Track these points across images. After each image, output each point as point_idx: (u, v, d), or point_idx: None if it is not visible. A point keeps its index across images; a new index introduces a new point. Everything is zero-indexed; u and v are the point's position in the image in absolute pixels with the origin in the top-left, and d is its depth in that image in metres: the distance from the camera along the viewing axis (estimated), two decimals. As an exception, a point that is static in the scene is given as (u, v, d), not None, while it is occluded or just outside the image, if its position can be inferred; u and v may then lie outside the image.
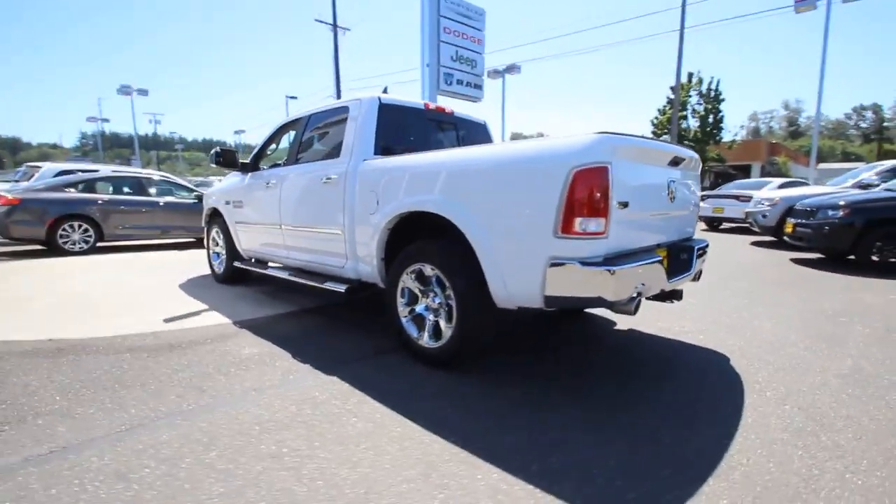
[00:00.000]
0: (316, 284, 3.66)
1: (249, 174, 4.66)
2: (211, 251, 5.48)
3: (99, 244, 8.15)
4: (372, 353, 3.11)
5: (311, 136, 4.13)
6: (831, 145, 76.37)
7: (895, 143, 71.32)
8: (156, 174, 10.18)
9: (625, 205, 2.29)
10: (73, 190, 8.10)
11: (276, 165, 4.77)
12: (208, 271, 5.69)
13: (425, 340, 2.89)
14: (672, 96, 31.44)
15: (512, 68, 22.23)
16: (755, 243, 9.74)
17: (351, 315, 4.07)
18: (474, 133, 4.29)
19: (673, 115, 20.36)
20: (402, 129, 3.70)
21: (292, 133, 4.75)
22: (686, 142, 28.04)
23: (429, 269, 2.82)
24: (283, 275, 4.10)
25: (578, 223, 2.16)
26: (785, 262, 7.09)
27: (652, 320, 3.79)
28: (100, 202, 8.10)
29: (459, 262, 2.66)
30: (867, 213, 6.08)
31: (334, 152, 3.63)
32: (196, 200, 9.06)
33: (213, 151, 4.57)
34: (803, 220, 6.88)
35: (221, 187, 5.20)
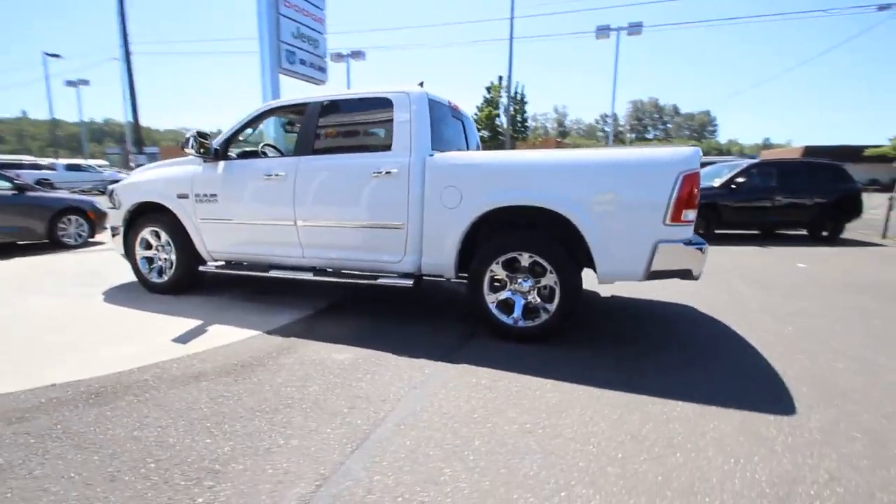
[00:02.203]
0: (369, 282, 3.52)
1: (223, 163, 3.99)
2: (138, 257, 4.43)
3: None
4: (458, 339, 3.26)
5: (332, 126, 3.82)
6: (586, 144, 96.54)
7: (627, 144, 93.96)
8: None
9: None
10: None
11: (250, 154, 4.20)
12: (109, 279, 4.73)
13: (517, 321, 3.21)
14: (489, 96, 35.47)
15: (357, 54, 21.87)
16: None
17: (382, 308, 3.98)
18: (469, 127, 4.58)
19: (507, 116, 23.09)
20: (438, 123, 3.80)
21: (287, 120, 4.27)
22: (500, 137, 32.13)
23: (526, 257, 3.14)
24: (303, 275, 3.75)
25: (684, 214, 2.83)
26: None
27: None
28: None
29: (563, 248, 3.08)
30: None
31: (378, 145, 3.53)
32: (15, 192, 6.80)
33: (189, 136, 3.77)
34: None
35: (165, 177, 4.25)
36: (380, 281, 3.51)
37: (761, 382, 2.67)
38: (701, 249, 2.89)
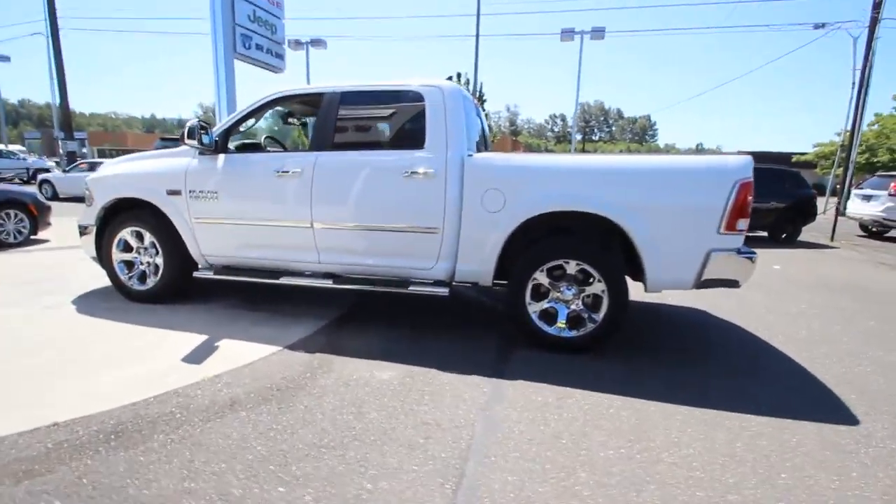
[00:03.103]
0: (398, 290, 3.26)
1: (223, 156, 3.56)
2: (116, 260, 3.88)
3: None
4: (498, 351, 3.08)
5: (354, 119, 3.50)
6: (537, 143, 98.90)
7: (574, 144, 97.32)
8: None
9: None
10: None
11: (252, 147, 3.79)
12: (71, 285, 4.22)
13: (560, 331, 3.08)
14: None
15: (318, 42, 20.90)
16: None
17: (401, 317, 3.71)
18: (483, 123, 4.39)
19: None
20: (466, 119, 3.58)
21: (287, 111, 3.88)
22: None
23: (573, 265, 3.01)
24: (320, 283, 3.41)
25: (738, 223, 2.80)
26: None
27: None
28: None
29: (611, 256, 2.98)
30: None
31: (407, 142, 3.27)
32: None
33: (192, 125, 3.30)
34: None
35: (151, 170, 3.74)
36: (411, 289, 3.25)
37: (811, 391, 2.70)
38: (751, 259, 2.88)
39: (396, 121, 3.51)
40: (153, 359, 2.78)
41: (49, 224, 7.02)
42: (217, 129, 3.57)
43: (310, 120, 4.50)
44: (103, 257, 3.91)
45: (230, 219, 3.55)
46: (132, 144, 42.92)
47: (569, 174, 3.01)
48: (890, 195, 9.73)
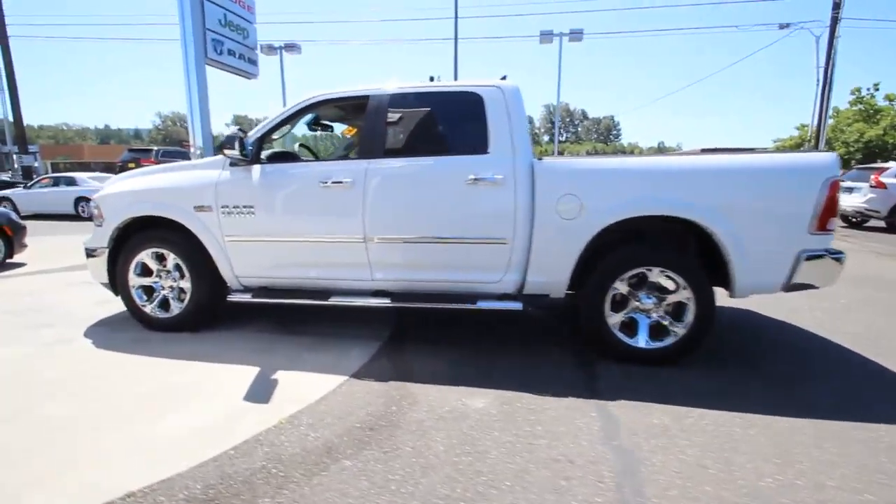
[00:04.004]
0: (467, 306, 3.01)
1: (258, 167, 3.23)
2: (133, 286, 3.47)
3: None
4: (581, 368, 2.89)
5: (406, 124, 3.23)
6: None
7: (543, 146, 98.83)
8: None
9: None
10: None
11: (285, 156, 3.47)
12: (70, 315, 3.82)
13: (641, 343, 2.91)
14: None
15: (292, 47, 20.25)
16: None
17: (453, 334, 3.45)
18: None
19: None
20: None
21: (313, 116, 3.57)
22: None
23: (656, 272, 2.84)
24: (375, 302, 3.13)
25: (829, 222, 2.70)
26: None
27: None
28: None
29: (697, 262, 2.84)
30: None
31: (467, 147, 3.04)
32: None
33: (232, 135, 2.96)
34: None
35: (175, 184, 3.35)
36: (480, 305, 3.01)
37: (912, 393, 2.62)
38: (839, 260, 2.78)
39: (452, 124, 3.26)
40: (206, 399, 2.44)
41: (25, 246, 6.39)
42: (253, 136, 3.24)
43: (336, 125, 4.22)
44: (117, 283, 3.49)
45: (269, 235, 3.21)
46: (90, 157, 40.66)
47: (652, 176, 2.84)
48: (871, 187, 10.13)
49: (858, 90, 27.12)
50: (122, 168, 17.28)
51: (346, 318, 3.75)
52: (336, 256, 3.18)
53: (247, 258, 3.29)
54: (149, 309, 3.47)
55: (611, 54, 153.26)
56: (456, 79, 20.49)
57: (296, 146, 3.89)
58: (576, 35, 18.86)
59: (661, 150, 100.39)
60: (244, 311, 3.85)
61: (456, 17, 18.84)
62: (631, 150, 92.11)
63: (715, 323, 2.87)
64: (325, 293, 3.25)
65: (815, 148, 18.32)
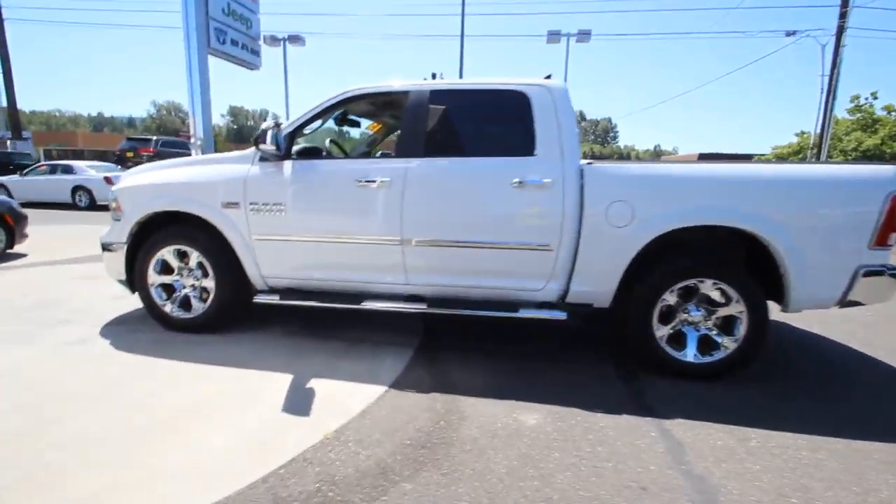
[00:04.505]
0: (509, 314, 2.89)
1: (290, 163, 3.08)
2: (152, 284, 3.31)
3: None
4: (626, 382, 2.78)
5: (448, 122, 3.09)
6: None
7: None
8: None
9: None
10: None
11: (313, 152, 3.31)
12: (79, 311, 3.67)
13: (690, 357, 2.81)
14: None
15: (295, 38, 19.93)
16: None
17: (486, 344, 3.33)
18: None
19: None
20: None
21: (341, 112, 3.43)
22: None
23: (708, 284, 2.74)
24: (412, 307, 3.00)
25: (889, 237, 2.61)
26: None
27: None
28: None
29: (749, 274, 2.73)
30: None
31: (512, 148, 2.91)
32: None
33: (268, 127, 2.81)
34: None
35: (202, 178, 3.18)
36: (522, 314, 2.89)
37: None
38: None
39: (497, 124, 3.14)
40: (244, 410, 2.30)
41: (26, 236, 6.18)
42: (285, 131, 3.09)
43: (360, 122, 4.07)
44: (136, 280, 3.33)
45: (299, 235, 3.07)
46: (84, 144, 39.97)
47: (711, 185, 2.72)
48: None
49: (857, 97, 27.28)
50: (121, 156, 16.97)
51: (373, 321, 3.61)
52: (369, 258, 3.05)
53: (275, 258, 3.15)
54: (169, 308, 3.32)
55: (610, 55, 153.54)
56: (461, 76, 20.33)
57: (326, 142, 3.73)
58: (583, 36, 18.77)
59: (657, 153, 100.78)
60: (265, 312, 3.70)
61: (463, 15, 18.66)
62: (628, 154, 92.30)
63: (767, 338, 2.78)
64: (356, 296, 3.11)
65: (818, 157, 18.39)
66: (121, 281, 3.42)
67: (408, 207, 2.92)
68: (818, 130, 18.22)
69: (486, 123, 3.19)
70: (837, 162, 2.60)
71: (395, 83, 3.13)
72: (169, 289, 3.35)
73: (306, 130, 3.27)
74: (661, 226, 2.70)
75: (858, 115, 27.84)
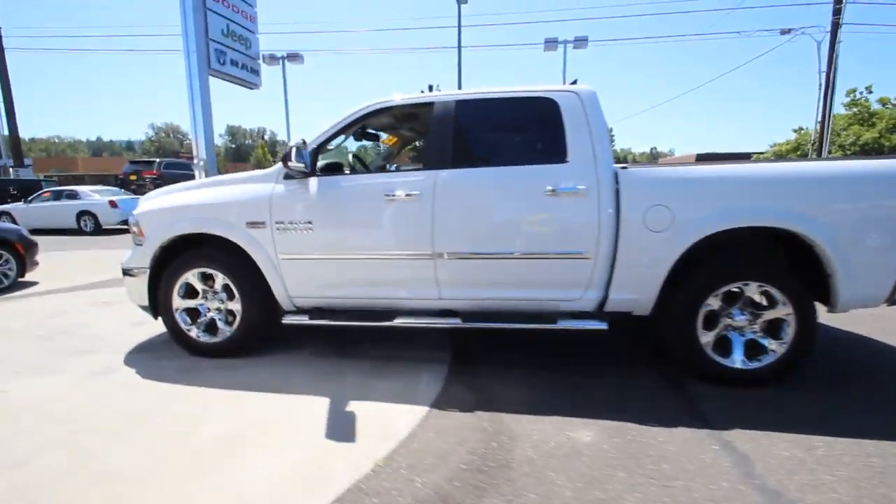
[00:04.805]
0: (548, 326, 2.81)
1: (316, 180, 3.02)
2: (177, 308, 3.23)
3: None
4: (675, 392, 2.69)
5: (475, 132, 3.04)
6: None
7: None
8: None
9: None
10: None
11: (337, 167, 3.25)
12: (96, 338, 3.61)
13: (738, 363, 2.72)
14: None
15: (294, 56, 20.08)
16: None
17: (518, 356, 3.24)
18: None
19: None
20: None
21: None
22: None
23: (754, 287, 2.66)
24: (447, 323, 2.92)
25: (938, 232, 2.54)
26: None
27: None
28: None
29: (795, 275, 2.66)
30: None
31: (543, 155, 2.86)
32: None
33: (296, 146, 2.76)
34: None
35: (226, 198, 3.12)
36: (561, 325, 2.81)
37: None
38: (942, 272, 2.62)
39: (526, 132, 3.09)
40: (285, 437, 2.21)
41: (37, 263, 6.12)
42: (309, 147, 3.03)
43: (375, 134, 4.02)
44: (159, 305, 3.26)
45: (328, 253, 3.00)
46: (84, 169, 40.11)
47: (751, 185, 2.66)
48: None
49: (854, 91, 27.38)
50: (124, 180, 16.97)
51: (401, 338, 3.53)
52: (401, 274, 2.98)
53: (302, 277, 3.08)
54: (194, 333, 3.23)
55: (608, 57, 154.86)
56: (460, 87, 20.43)
57: (350, 157, 3.68)
58: (580, 42, 18.90)
59: (653, 155, 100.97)
60: (291, 333, 3.61)
61: (459, 27, 18.81)
62: (625, 157, 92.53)
63: (817, 341, 2.69)
64: (387, 313, 3.04)
65: (819, 153, 18.39)
66: (143, 307, 3.34)
67: (438, 220, 2.85)
68: (817, 126, 18.22)
69: (515, 132, 3.15)
70: (885, 157, 2.50)
71: (420, 95, 3.09)
72: (193, 313, 3.27)
73: (330, 146, 3.21)
74: (703, 229, 2.63)
75: (855, 109, 27.93)
